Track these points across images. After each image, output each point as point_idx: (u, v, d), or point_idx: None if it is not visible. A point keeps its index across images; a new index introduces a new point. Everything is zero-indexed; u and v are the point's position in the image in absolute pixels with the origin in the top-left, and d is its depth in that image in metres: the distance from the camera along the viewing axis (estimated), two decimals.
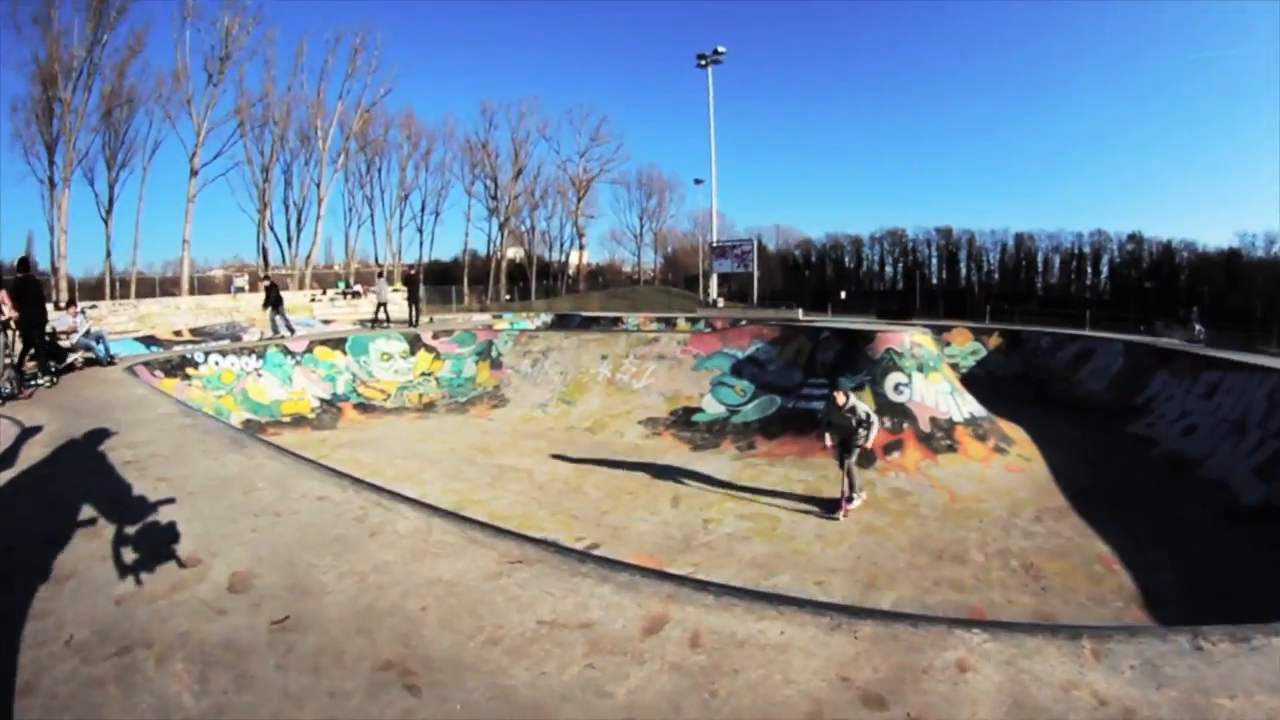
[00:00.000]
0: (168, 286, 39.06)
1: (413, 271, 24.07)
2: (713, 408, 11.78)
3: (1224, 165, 74.68)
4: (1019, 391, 14.02)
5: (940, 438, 9.24)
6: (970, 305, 52.85)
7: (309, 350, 13.92)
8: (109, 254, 41.40)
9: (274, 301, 17.12)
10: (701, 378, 12.67)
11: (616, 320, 21.90)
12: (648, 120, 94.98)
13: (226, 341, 15.44)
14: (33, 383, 9.18)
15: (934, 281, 70.40)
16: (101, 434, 5.94)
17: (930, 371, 10.24)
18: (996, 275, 69.67)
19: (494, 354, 15.20)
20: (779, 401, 11.10)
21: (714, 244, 40.38)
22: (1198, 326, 18.10)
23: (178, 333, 20.40)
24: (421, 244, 59.76)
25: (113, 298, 33.92)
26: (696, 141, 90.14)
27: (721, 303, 36.93)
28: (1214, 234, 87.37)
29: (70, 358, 11.02)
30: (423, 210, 58.92)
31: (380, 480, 5.92)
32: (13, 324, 8.81)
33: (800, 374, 11.30)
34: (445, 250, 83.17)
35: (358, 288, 36.89)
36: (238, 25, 41.90)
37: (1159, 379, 11.68)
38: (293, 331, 16.58)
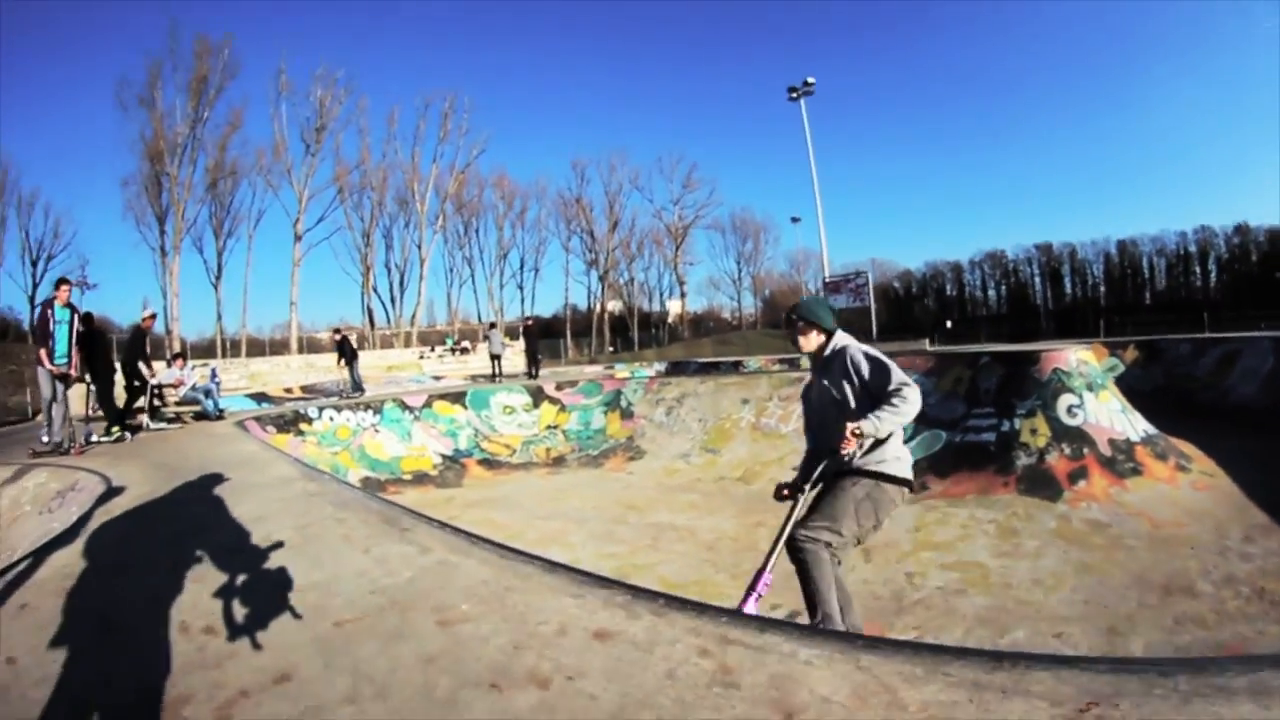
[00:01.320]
0: (277, 347, 39.86)
1: (529, 324, 22.62)
2: None
3: None
4: (1163, 405, 11.88)
5: (1123, 460, 8.26)
6: (1079, 321, 48.76)
7: (428, 405, 12.93)
8: (219, 317, 42.99)
9: (348, 356, 16.17)
10: None
11: (736, 364, 20.15)
12: (738, 162, 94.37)
13: (337, 398, 14.53)
14: (94, 439, 8.57)
15: (1037, 301, 65.69)
16: (200, 502, 4.58)
17: (1099, 390, 9.23)
18: (1102, 287, 64.31)
19: (623, 404, 13.92)
20: (944, 436, 9.74)
21: (826, 279, 38.24)
22: None
23: (288, 389, 20.40)
24: (523, 300, 59.86)
25: (223, 357, 34.57)
26: (788, 180, 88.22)
27: None
28: None
29: (165, 414, 10.28)
30: (521, 268, 59.23)
31: (523, 543, 5.03)
32: (81, 378, 8.60)
33: (962, 405, 9.93)
34: (546, 305, 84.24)
35: (465, 344, 36.62)
36: (330, 97, 43.65)
37: None
38: (361, 390, 15.64)
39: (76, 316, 8.23)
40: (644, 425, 13.06)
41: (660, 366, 21.84)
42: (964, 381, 10.18)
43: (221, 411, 11.01)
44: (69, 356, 8.03)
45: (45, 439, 8.02)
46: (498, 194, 56.56)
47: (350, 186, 46.14)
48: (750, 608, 2.85)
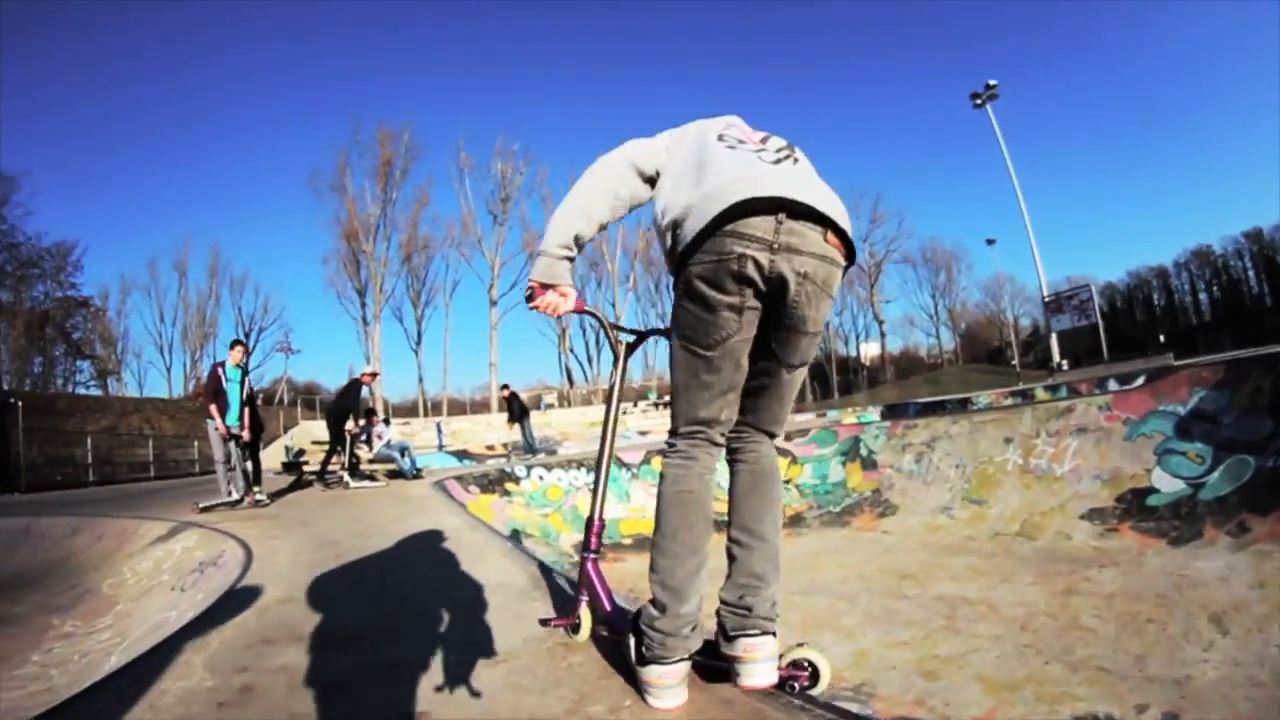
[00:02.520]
0: (477, 407, 42.80)
1: None
2: (1168, 485, 8.44)
3: None
4: None
5: None
6: None
7: (646, 461, 12.19)
8: (420, 379, 47.12)
9: (517, 414, 15.95)
10: (1140, 448, 9.15)
11: (964, 401, 17.76)
12: (919, 189, 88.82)
13: (544, 454, 14.46)
14: (261, 498, 8.54)
15: (1250, 299, 54.93)
16: (362, 607, 3.52)
17: None
18: None
19: (864, 452, 12.33)
20: (1252, 462, 7.90)
21: (1046, 298, 34.00)
22: None
23: (490, 447, 20.84)
24: None
25: (424, 417, 37.46)
26: (971, 202, 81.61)
27: (1066, 365, 29.89)
28: None
29: (363, 471, 10.50)
30: None
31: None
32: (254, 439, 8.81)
33: (1270, 421, 8.07)
34: None
35: (669, 398, 36.75)
36: (510, 169, 47.11)
37: None
38: (534, 451, 15.18)
39: (248, 379, 8.44)
40: (890, 475, 11.45)
41: (875, 410, 19.82)
42: (1264, 392, 8.34)
43: (419, 471, 11.06)
44: (241, 418, 8.21)
45: (222, 497, 8.02)
46: None
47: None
48: None
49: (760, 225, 1.73)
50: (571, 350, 51.25)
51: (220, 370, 8.09)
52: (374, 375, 10.68)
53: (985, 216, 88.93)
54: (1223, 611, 5.70)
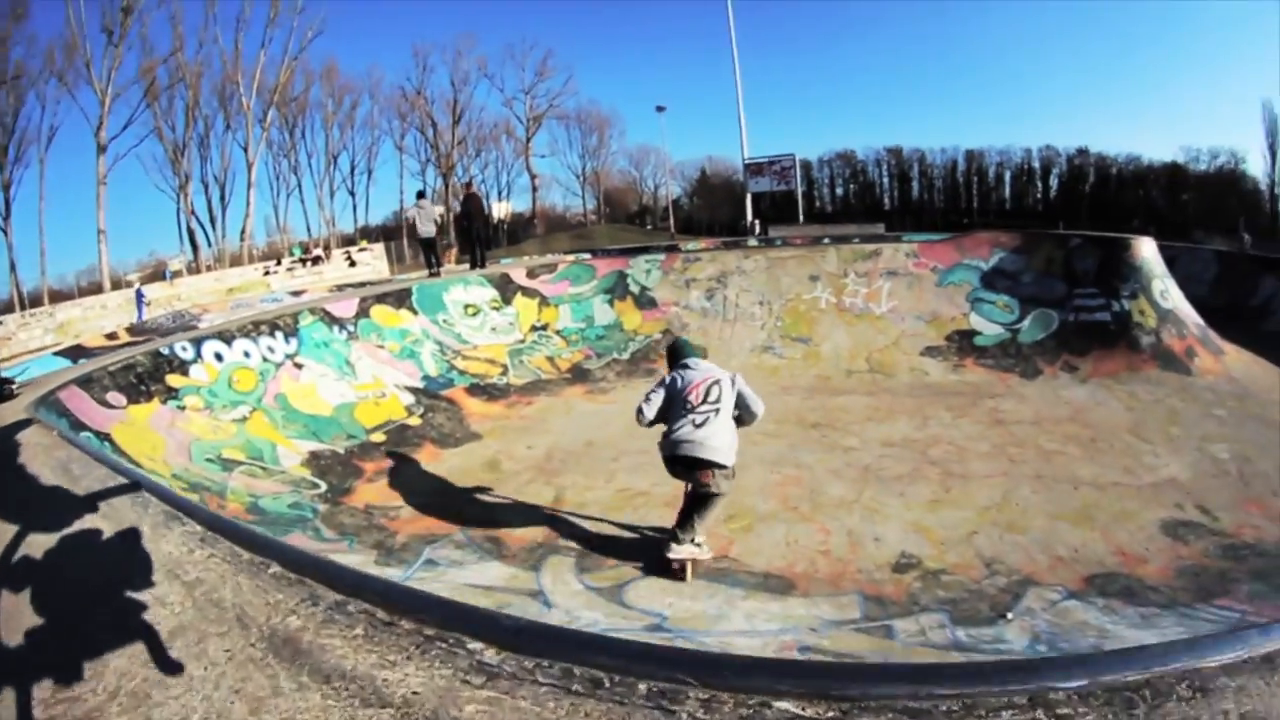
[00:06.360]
0: (86, 293, 30.50)
1: (473, 190, 14.44)
2: (987, 328, 8.94)
3: (1165, 83, 71.40)
4: None
5: (1210, 340, 8.28)
6: (925, 223, 50.24)
7: (363, 314, 8.05)
8: (13, 267, 32.23)
9: None
10: (953, 294, 9.43)
11: (671, 248, 16.36)
12: (593, 52, 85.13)
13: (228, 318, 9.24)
14: None
15: (885, 202, 66.65)
16: None
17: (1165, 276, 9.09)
18: (944, 195, 66.42)
19: (633, 289, 10.10)
20: (1055, 315, 8.79)
21: (747, 161, 35.20)
22: (1246, 237, 18.20)
23: (112, 335, 14.95)
24: (354, 208, 51.24)
25: (21, 312, 25.57)
26: (645, 72, 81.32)
27: (757, 227, 31.54)
28: (1162, 149, 79.24)
29: None
30: (352, 172, 50.02)
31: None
32: None
33: (1063, 285, 9.06)
34: (378, 212, 73.75)
35: (318, 252, 30.21)
36: None
37: (1268, 282, 11.47)
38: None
39: None
40: (677, 314, 9.73)
41: (558, 258, 17.02)
42: (1056, 262, 9.41)
43: (10, 383, 5.71)
44: None
45: None
46: (326, 89, 46.40)
47: (160, 84, 35.71)
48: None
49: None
50: (194, 212, 39.40)
51: None
52: None
53: (655, 85, 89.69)
54: (1130, 428, 6.01)
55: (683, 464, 3.65)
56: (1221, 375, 7.45)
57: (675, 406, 3.74)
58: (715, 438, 3.58)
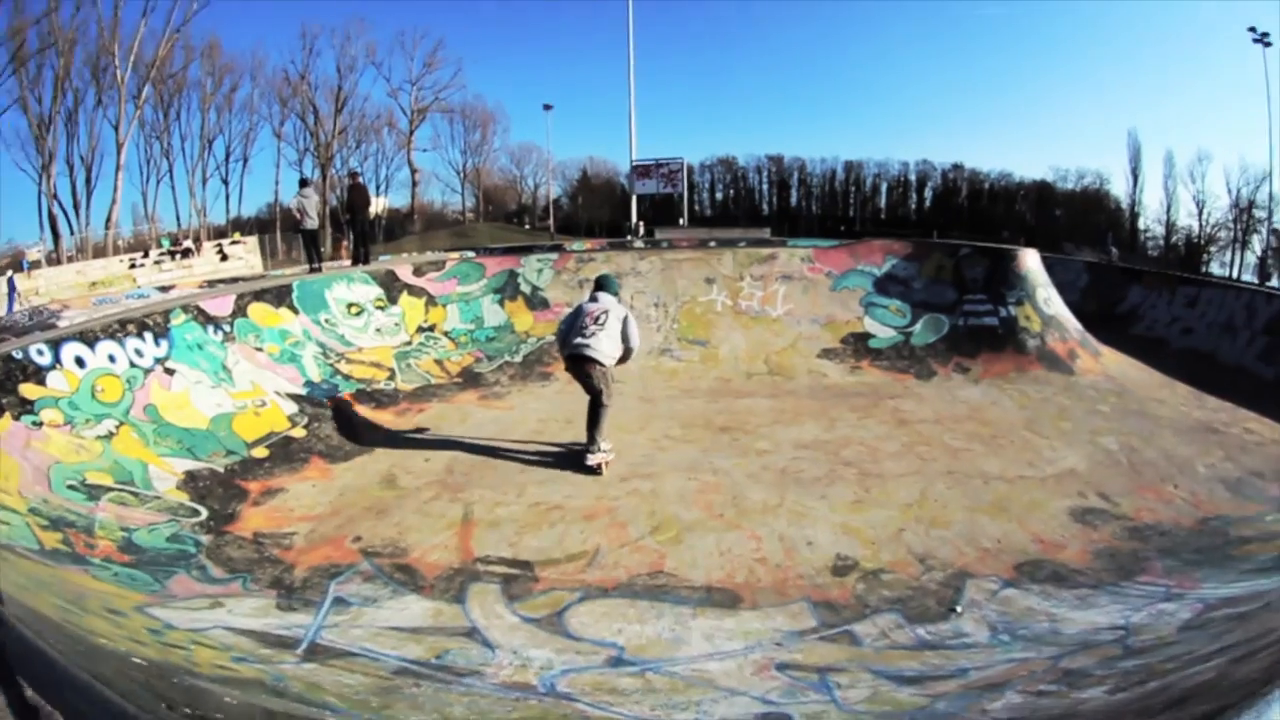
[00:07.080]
0: None
1: (359, 180, 13.70)
2: (881, 331, 9.24)
3: (1036, 106, 78.66)
4: None
5: (1089, 343, 8.84)
6: (803, 229, 51.96)
7: (240, 313, 6.92)
8: None
9: None
10: (847, 299, 9.68)
11: (557, 248, 16.02)
12: (482, 47, 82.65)
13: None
14: None
15: (764, 208, 68.84)
16: None
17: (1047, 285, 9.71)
18: (822, 202, 69.49)
19: (524, 289, 9.54)
20: (946, 320, 9.23)
21: (635, 163, 35.00)
22: (1114, 250, 20.17)
23: None
24: (228, 197, 47.72)
25: None
26: (534, 70, 79.85)
27: (641, 229, 31.51)
28: (1032, 168, 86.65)
29: None
30: (227, 158, 46.36)
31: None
32: None
33: (953, 291, 9.52)
34: (252, 203, 68.33)
35: (188, 244, 27.41)
36: None
37: (1135, 291, 12.40)
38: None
39: None
40: None
41: (445, 255, 16.08)
42: (947, 269, 9.85)
43: None
44: None
45: None
46: (206, 68, 42.46)
47: (30, 49, 31.19)
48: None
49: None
50: (56, 195, 34.73)
51: None
52: None
53: (542, 84, 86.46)
54: (1025, 424, 6.31)
55: (573, 360, 5.07)
56: (1101, 375, 8.05)
57: (576, 325, 5.16)
58: (598, 343, 5.00)
